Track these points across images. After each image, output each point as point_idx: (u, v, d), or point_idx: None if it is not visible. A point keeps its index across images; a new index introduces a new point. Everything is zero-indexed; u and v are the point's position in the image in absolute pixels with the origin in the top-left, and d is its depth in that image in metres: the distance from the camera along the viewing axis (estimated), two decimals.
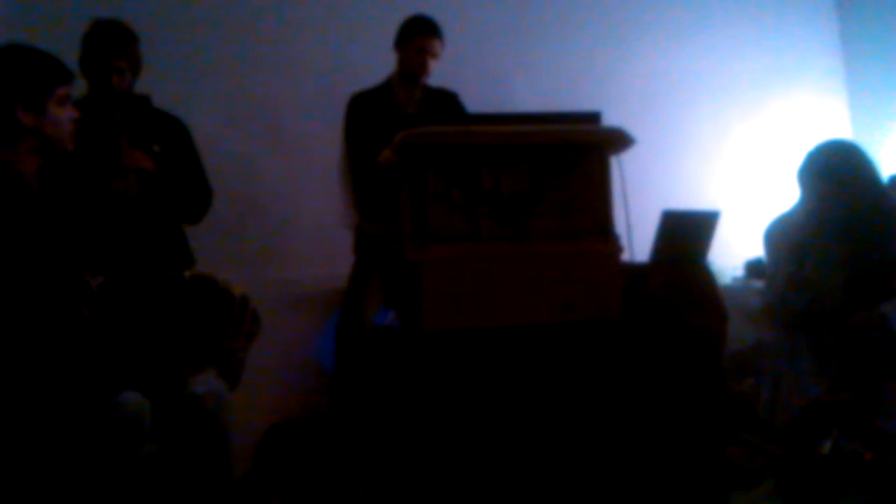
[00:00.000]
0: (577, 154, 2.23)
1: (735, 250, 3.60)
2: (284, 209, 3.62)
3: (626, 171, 2.30)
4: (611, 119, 2.30)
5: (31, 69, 1.85)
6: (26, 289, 1.70)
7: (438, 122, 2.31)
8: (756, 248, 3.04)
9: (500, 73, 3.84)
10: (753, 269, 3.62)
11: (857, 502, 2.29)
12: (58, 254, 1.79)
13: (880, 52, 4.26)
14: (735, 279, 3.78)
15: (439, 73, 3.13)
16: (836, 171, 2.56)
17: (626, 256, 2.31)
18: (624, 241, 2.28)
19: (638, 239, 2.34)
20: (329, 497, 2.63)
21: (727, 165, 4.26)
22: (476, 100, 3.22)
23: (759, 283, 3.27)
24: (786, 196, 2.86)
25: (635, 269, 2.37)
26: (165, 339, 1.92)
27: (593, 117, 2.29)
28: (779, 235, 2.64)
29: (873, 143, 4.02)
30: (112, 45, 2.40)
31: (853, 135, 4.29)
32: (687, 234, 2.52)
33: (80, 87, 2.45)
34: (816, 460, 2.39)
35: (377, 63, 3.22)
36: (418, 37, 3.03)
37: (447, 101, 3.13)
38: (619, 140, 2.25)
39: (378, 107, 3.01)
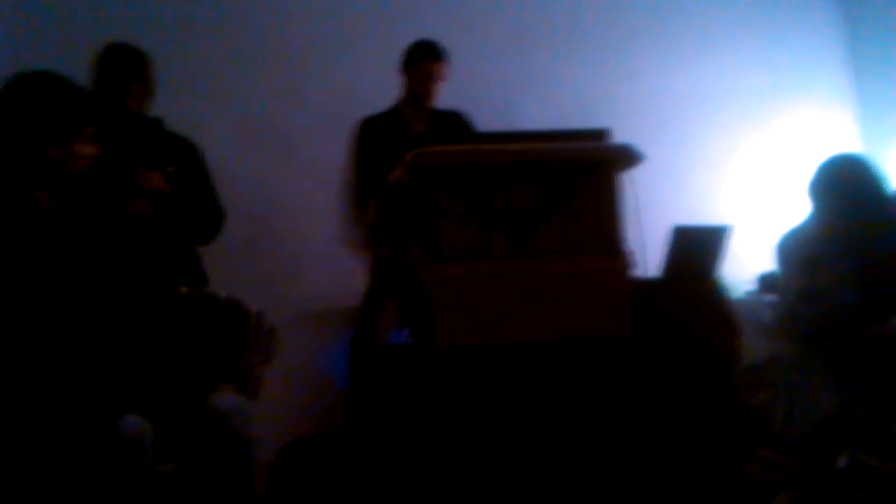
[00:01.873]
0: (587, 171, 2.25)
1: (747, 264, 3.59)
2: (296, 228, 3.64)
3: (636, 187, 2.31)
4: (619, 136, 2.32)
5: (67, 105, 1.84)
6: (35, 311, 1.69)
7: (447, 141, 2.33)
8: (768, 262, 3.04)
9: (508, 91, 3.87)
10: (766, 282, 3.61)
11: None
12: (68, 277, 1.78)
13: (889, 66, 4.26)
14: (747, 293, 3.76)
15: (447, 92, 3.16)
16: (846, 185, 2.56)
17: (637, 272, 2.31)
18: (635, 257, 2.29)
19: (648, 254, 2.35)
20: None
21: (737, 180, 4.26)
22: (485, 118, 3.25)
23: (771, 297, 3.25)
24: (797, 209, 2.86)
25: (646, 285, 2.37)
26: (165, 356, 1.90)
27: (602, 134, 2.30)
28: (791, 249, 2.64)
29: (882, 155, 4.03)
30: (127, 67, 2.42)
31: (862, 148, 4.29)
32: (698, 248, 2.52)
33: None
34: (833, 474, 2.37)
35: (386, 85, 3.26)
36: (424, 62, 3.08)
37: (455, 122, 3.16)
38: (627, 157, 2.26)
39: (386, 130, 3.04)
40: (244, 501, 1.97)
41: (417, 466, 2.21)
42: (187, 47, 3.50)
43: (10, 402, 1.67)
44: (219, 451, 1.93)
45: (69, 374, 1.72)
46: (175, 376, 1.92)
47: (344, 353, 3.18)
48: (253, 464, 2.01)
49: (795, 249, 2.60)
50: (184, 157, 2.57)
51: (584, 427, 2.17)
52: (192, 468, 1.94)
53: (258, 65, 3.66)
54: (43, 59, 2.05)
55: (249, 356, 2.04)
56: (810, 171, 2.65)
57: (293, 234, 3.64)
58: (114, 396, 1.78)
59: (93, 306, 1.77)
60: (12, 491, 1.65)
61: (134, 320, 1.85)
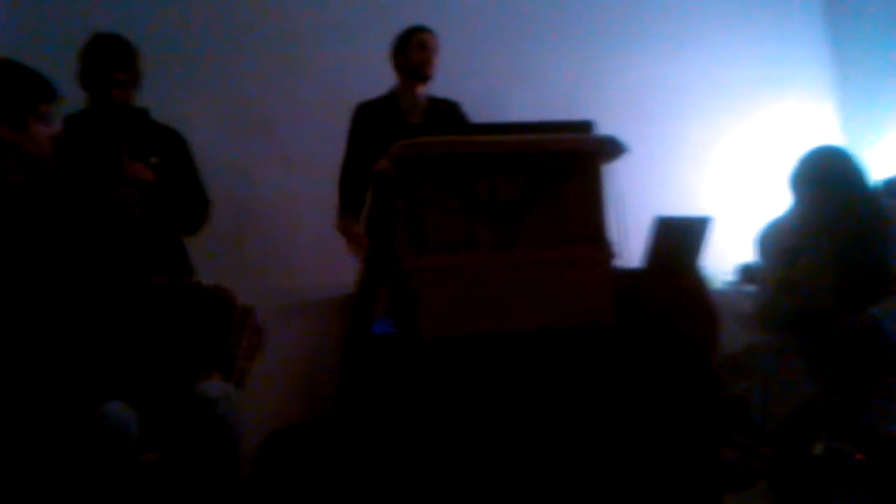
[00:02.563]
0: (571, 162, 2.26)
1: (727, 255, 3.63)
2: (284, 219, 3.66)
3: (620, 178, 2.34)
4: (604, 127, 2.33)
5: (14, 85, 1.84)
6: (9, 295, 1.68)
7: (441, 131, 2.35)
8: (747, 253, 3.08)
9: (495, 83, 3.88)
10: (746, 273, 3.65)
11: (849, 503, 2.31)
12: (47, 262, 1.78)
13: (869, 61, 4.31)
14: (727, 284, 3.80)
15: (436, 84, 3.17)
16: (826, 176, 2.59)
17: (619, 262, 2.34)
18: (618, 247, 2.32)
19: (631, 245, 2.38)
20: (328, 503, 2.65)
21: (719, 172, 4.31)
22: (472, 109, 3.26)
23: (750, 288, 3.29)
24: (777, 202, 2.90)
25: (628, 275, 2.39)
26: (146, 344, 1.90)
27: (586, 126, 2.32)
28: (771, 240, 2.67)
29: (862, 148, 4.07)
30: (112, 57, 2.43)
31: (843, 140, 4.33)
32: (679, 239, 2.55)
33: (80, 100, 2.49)
34: (809, 461, 2.41)
35: (375, 77, 3.27)
36: (415, 33, 3.12)
37: (450, 111, 3.17)
38: (611, 148, 2.27)
39: (383, 116, 3.05)
40: (230, 488, 1.99)
41: (400, 456, 2.23)
42: (177, 41, 3.49)
43: None
44: (206, 438, 1.94)
45: (46, 360, 1.72)
46: (157, 364, 1.92)
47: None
48: (239, 451, 2.03)
49: (775, 240, 2.63)
50: (170, 148, 2.58)
51: (566, 415, 2.19)
52: (178, 455, 1.95)
53: (247, 58, 3.66)
54: (30, 50, 2.03)
55: (235, 347, 2.05)
56: (791, 164, 2.69)
57: (281, 225, 3.65)
58: (92, 383, 1.78)
59: (70, 293, 1.76)
60: None
61: (111, 308, 1.84)
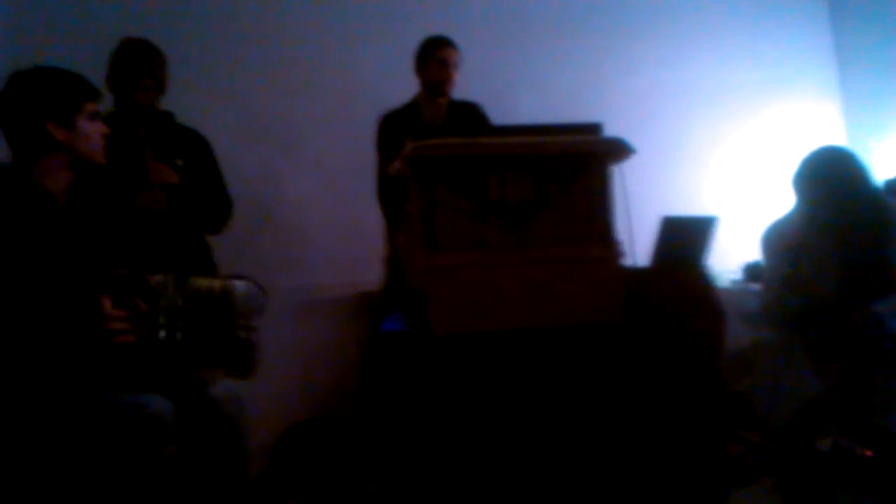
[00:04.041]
0: (580, 164, 2.30)
1: (732, 254, 3.66)
2: (300, 219, 3.70)
3: (627, 178, 2.37)
4: (610, 129, 2.36)
5: (59, 86, 1.87)
6: (42, 301, 1.69)
7: (458, 133, 2.38)
8: (753, 252, 3.10)
9: (505, 86, 3.91)
10: (750, 272, 3.67)
11: (855, 499, 2.32)
12: (79, 267, 1.79)
13: (873, 62, 4.32)
14: (733, 282, 3.82)
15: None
16: (829, 176, 2.60)
17: (626, 261, 2.37)
18: (625, 247, 2.36)
19: (638, 244, 2.41)
20: (342, 496, 2.68)
21: (725, 173, 4.33)
22: None
23: (756, 286, 3.31)
24: (782, 201, 2.92)
25: (636, 274, 2.43)
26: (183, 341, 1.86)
27: (594, 128, 2.35)
28: (775, 239, 2.68)
29: (866, 148, 4.10)
30: (140, 62, 2.47)
31: (847, 141, 4.35)
32: (686, 238, 2.57)
33: (107, 104, 2.53)
34: (814, 457, 2.43)
35: (387, 81, 3.31)
36: (437, 49, 3.14)
37: (470, 112, 3.20)
38: (619, 150, 2.31)
39: (405, 124, 3.07)
40: (237, 486, 2.01)
41: (413, 450, 2.26)
42: (195, 47, 3.53)
43: (13, 391, 1.68)
44: (213, 437, 1.96)
45: (76, 359, 1.73)
46: (188, 361, 1.91)
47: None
48: (246, 450, 2.04)
49: (780, 239, 2.65)
50: (194, 150, 2.62)
51: (574, 410, 2.22)
52: (186, 454, 1.95)
53: (263, 64, 3.71)
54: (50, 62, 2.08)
55: (248, 329, 1.95)
56: (795, 164, 2.71)
57: (297, 224, 3.69)
58: (126, 377, 1.80)
59: (90, 293, 1.76)
60: (27, 471, 1.66)
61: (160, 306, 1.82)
